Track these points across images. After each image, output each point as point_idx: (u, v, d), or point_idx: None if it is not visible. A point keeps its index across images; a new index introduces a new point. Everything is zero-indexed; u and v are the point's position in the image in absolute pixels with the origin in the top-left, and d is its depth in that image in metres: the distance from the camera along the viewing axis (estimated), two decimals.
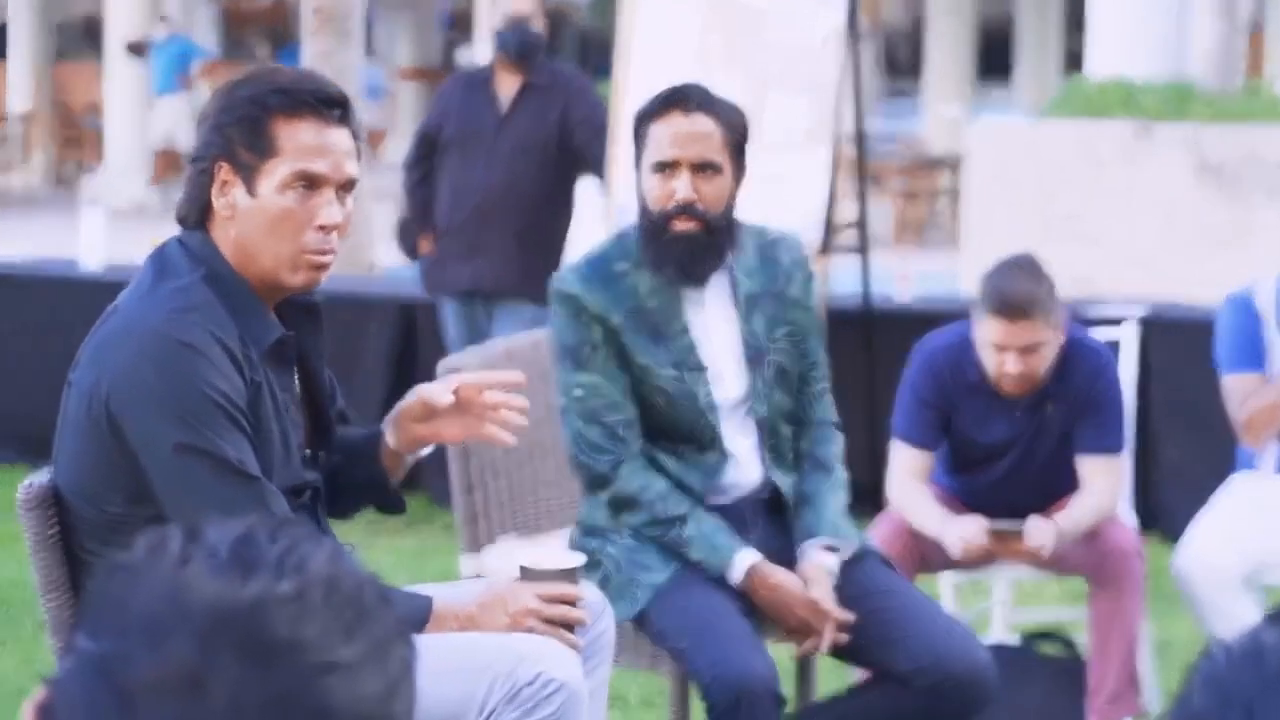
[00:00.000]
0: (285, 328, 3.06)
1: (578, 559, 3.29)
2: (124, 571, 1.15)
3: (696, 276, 3.81)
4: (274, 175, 2.96)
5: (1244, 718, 1.10)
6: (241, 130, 2.97)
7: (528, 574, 3.23)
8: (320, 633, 1.13)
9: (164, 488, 2.94)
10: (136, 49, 19.40)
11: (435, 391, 3.21)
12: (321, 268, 3.02)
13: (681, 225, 3.76)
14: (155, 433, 2.92)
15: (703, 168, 3.76)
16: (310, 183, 2.97)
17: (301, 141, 2.96)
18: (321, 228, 2.97)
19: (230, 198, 2.99)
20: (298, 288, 3.02)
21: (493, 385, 3.24)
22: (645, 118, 3.81)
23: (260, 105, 2.97)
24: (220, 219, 3.01)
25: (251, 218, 2.97)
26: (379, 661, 1.15)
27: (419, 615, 3.13)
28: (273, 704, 1.11)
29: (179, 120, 19.49)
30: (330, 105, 3.00)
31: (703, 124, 3.76)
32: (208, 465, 2.91)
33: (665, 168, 3.78)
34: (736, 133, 3.80)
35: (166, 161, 19.59)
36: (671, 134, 3.76)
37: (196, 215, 3.03)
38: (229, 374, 2.92)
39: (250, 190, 2.97)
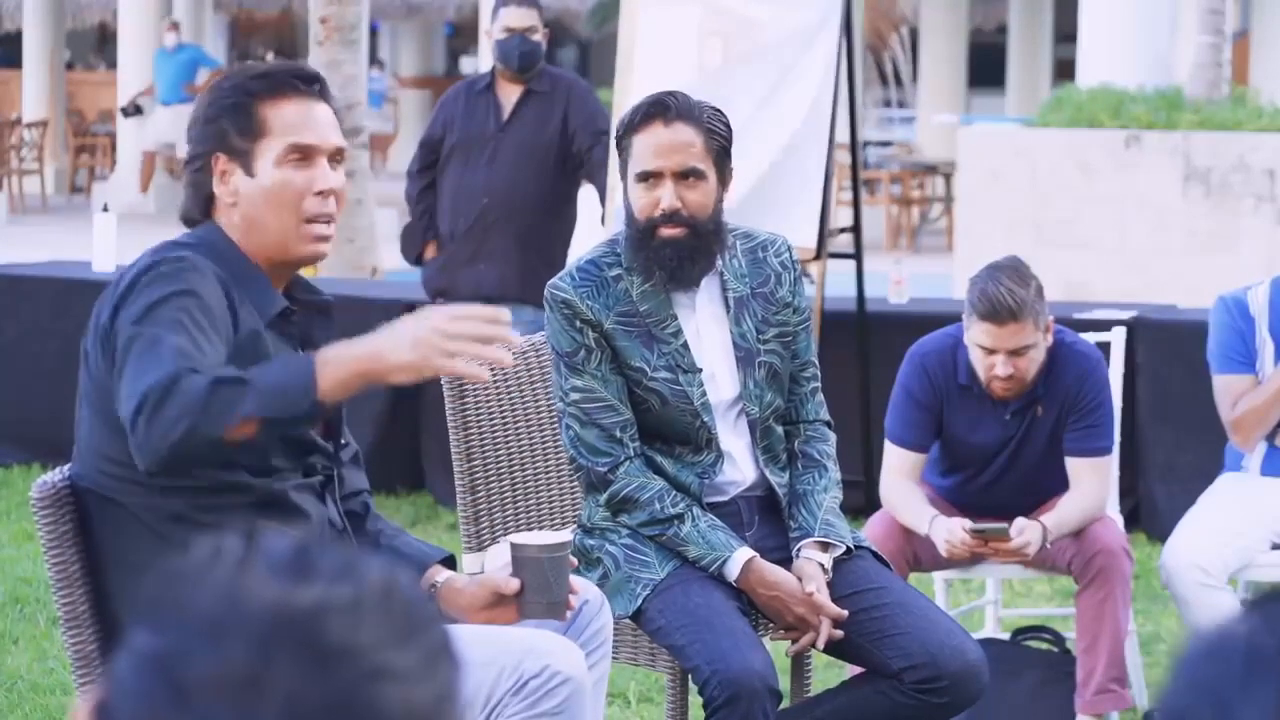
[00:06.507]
0: (300, 327, 3.17)
1: (566, 536, 3.36)
2: (182, 573, 1.16)
3: (686, 280, 3.84)
4: (268, 153, 3.11)
5: (1214, 709, 1.11)
6: (230, 119, 3.12)
7: (518, 549, 3.30)
8: (375, 639, 1.13)
9: (121, 353, 2.95)
10: (134, 111, 19.46)
11: (501, 580, 3.28)
12: (324, 239, 3.15)
13: (668, 232, 3.79)
14: (130, 309, 2.97)
15: (685, 175, 3.80)
16: (303, 154, 3.13)
17: (287, 118, 3.13)
18: (320, 193, 3.12)
19: (231, 185, 3.13)
20: (306, 257, 3.15)
21: None
22: (628, 129, 3.84)
23: (244, 91, 3.13)
24: (224, 208, 3.14)
25: (254, 195, 3.11)
26: (430, 671, 1.15)
27: (303, 369, 2.85)
28: (327, 708, 1.11)
29: (180, 129, 19.37)
30: (308, 81, 3.17)
31: (683, 133, 3.80)
32: (164, 321, 2.92)
33: (649, 177, 3.81)
34: (719, 138, 3.83)
35: (153, 167, 19.55)
36: (654, 144, 3.80)
37: (201, 212, 3.17)
38: (217, 293, 3.01)
39: (248, 172, 3.12)
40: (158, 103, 19.28)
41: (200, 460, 2.92)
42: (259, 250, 3.13)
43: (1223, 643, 1.13)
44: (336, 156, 3.18)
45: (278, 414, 2.82)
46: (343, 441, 3.30)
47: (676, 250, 3.81)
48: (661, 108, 3.82)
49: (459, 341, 2.81)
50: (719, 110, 3.89)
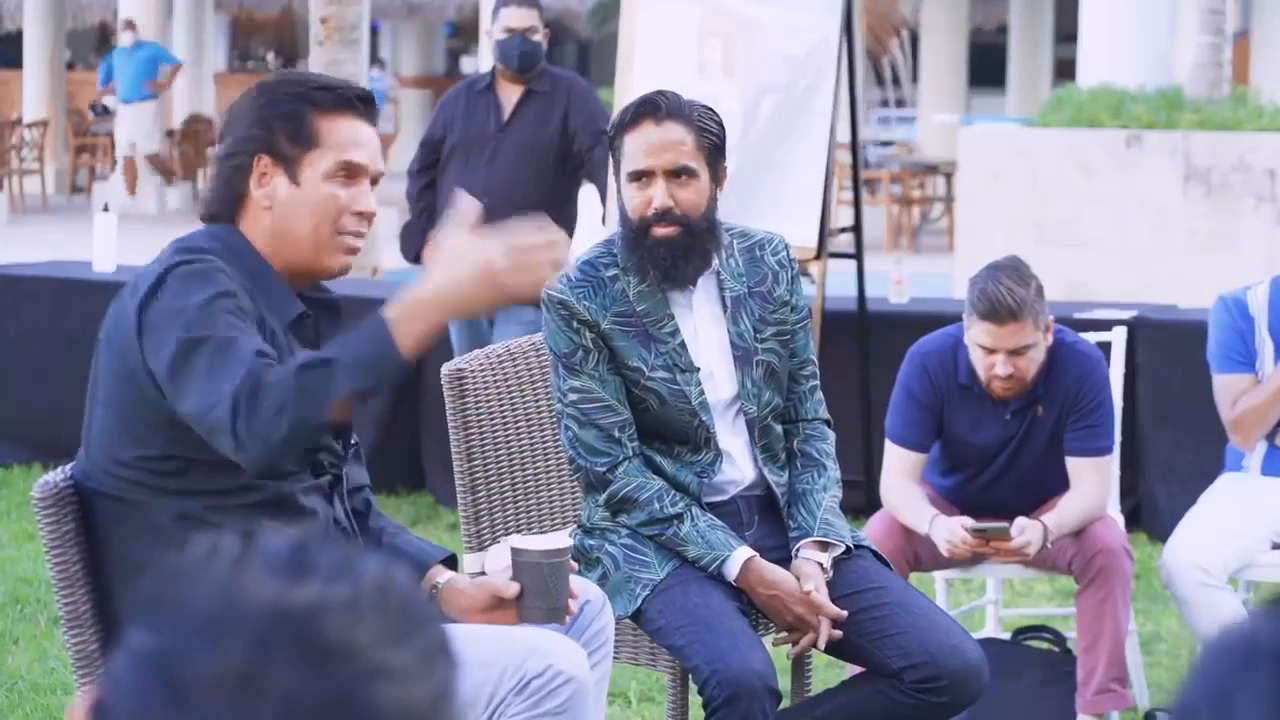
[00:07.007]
0: (315, 329, 3.17)
1: (566, 541, 3.36)
2: (179, 572, 1.16)
3: (681, 279, 3.85)
4: (317, 165, 3.11)
5: (1214, 700, 1.11)
6: (285, 124, 3.10)
7: (518, 555, 3.30)
8: (372, 638, 1.13)
9: (175, 367, 2.94)
10: (103, 111, 19.43)
11: (502, 585, 3.28)
12: (354, 250, 3.17)
13: (661, 231, 3.80)
14: (171, 319, 2.96)
15: (677, 174, 3.81)
16: (350, 173, 3.14)
17: (342, 135, 3.13)
18: (359, 214, 3.14)
19: (270, 188, 3.12)
20: (334, 271, 3.15)
21: None
22: (619, 129, 3.87)
23: (306, 101, 3.12)
24: (255, 210, 3.13)
25: (294, 204, 3.11)
26: (428, 669, 1.15)
27: (379, 335, 2.87)
28: (324, 707, 1.11)
29: (146, 128, 19.33)
30: (365, 103, 3.18)
31: (674, 131, 3.81)
32: (221, 324, 2.93)
33: (640, 177, 3.83)
34: (710, 136, 3.84)
35: (135, 170, 19.49)
36: (644, 144, 3.82)
37: (229, 210, 3.14)
38: (242, 296, 3.01)
39: (293, 179, 3.11)
40: (119, 101, 19.23)
41: (306, 449, 2.92)
42: (282, 256, 3.12)
43: (1227, 639, 1.14)
44: (375, 180, 3.19)
45: (371, 385, 2.88)
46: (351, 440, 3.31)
47: (670, 249, 3.82)
48: (652, 107, 3.83)
49: (536, 268, 2.94)
50: (710, 109, 3.89)
